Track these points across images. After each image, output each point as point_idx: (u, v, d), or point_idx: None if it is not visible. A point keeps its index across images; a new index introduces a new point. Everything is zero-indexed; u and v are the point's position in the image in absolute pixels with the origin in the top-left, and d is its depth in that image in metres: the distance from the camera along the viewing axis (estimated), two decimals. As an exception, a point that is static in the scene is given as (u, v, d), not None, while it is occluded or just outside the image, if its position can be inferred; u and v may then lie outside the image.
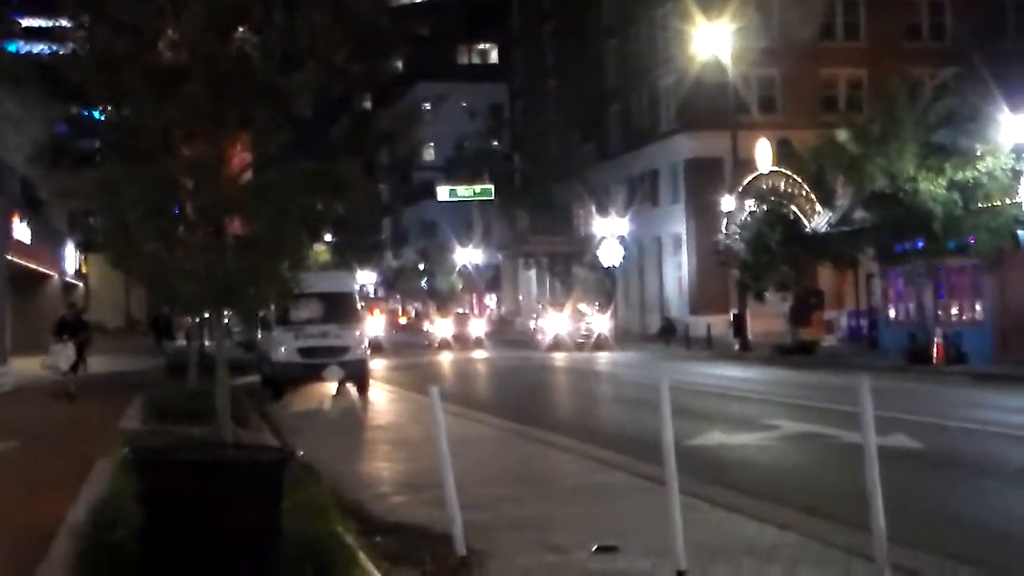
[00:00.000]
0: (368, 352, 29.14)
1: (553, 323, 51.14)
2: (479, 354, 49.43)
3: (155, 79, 9.69)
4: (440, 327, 58.46)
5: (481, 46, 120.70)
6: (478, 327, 60.66)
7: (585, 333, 49.57)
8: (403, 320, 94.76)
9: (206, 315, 16.58)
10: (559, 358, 43.73)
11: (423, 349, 54.37)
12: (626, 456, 14.90)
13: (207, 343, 27.94)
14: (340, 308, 28.86)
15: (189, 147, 9.94)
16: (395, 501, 12.66)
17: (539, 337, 51.93)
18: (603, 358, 42.86)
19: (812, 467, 14.48)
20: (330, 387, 29.03)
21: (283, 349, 27.86)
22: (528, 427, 19.17)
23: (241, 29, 9.87)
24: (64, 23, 9.70)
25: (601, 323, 50.08)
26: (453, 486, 9.45)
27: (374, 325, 58.01)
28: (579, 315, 51.26)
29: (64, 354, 25.14)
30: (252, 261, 10.05)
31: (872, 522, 7.67)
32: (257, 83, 10.12)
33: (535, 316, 57.66)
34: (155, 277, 10.80)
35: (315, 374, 27.57)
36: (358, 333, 28.40)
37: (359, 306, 29.89)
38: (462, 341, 56.15)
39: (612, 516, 11.10)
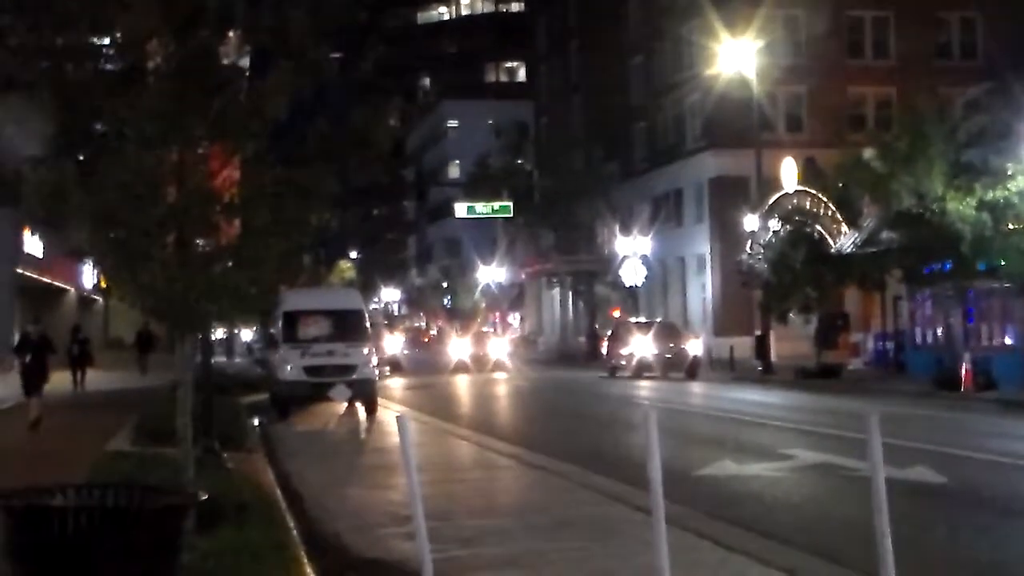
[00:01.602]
0: (376, 371, 28.39)
1: (638, 344, 42.99)
2: (499, 376, 46.68)
3: (104, 77, 8.94)
4: (457, 347, 54.93)
5: (508, 64, 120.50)
6: (499, 347, 55.63)
7: (675, 358, 42.42)
8: (425, 338, 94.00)
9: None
10: (646, 387, 37.62)
11: (442, 369, 51.92)
12: (630, 486, 13.96)
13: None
14: (348, 326, 28.19)
15: (144, 152, 9.16)
16: (378, 534, 11.83)
17: (616, 360, 44.16)
18: (703, 389, 36.51)
19: (826, 502, 13.51)
20: (339, 407, 28.33)
21: (289, 367, 27.19)
22: (530, 452, 18.31)
23: (202, 25, 9.08)
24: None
25: (695, 345, 43.71)
26: (423, 524, 8.53)
27: (393, 343, 57.37)
28: (667, 335, 44.14)
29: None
30: (211, 276, 9.26)
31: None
32: (221, 83, 9.34)
33: (610, 334, 48.88)
34: (120, 290, 10.08)
35: (321, 393, 26.89)
36: (366, 352, 27.65)
37: (368, 324, 29.10)
38: (480, 363, 51.99)
39: (604, 554, 10.26)
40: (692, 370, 41.44)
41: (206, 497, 5.09)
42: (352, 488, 15.17)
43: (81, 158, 9.39)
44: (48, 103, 9.15)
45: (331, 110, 10.93)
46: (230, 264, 9.65)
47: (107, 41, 9.31)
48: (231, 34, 9.94)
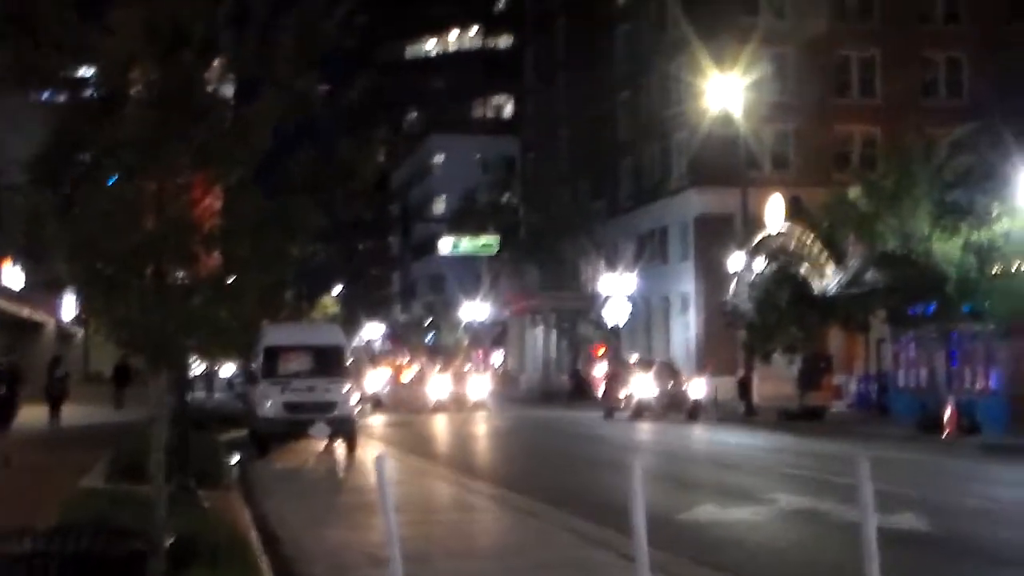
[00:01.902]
0: (356, 409, 28.10)
1: (638, 384, 41.38)
2: (481, 416, 44.95)
3: (84, 104, 8.75)
4: (436, 386, 51.98)
5: (496, 99, 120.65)
6: (479, 387, 52.83)
7: (676, 400, 40.87)
8: (407, 375, 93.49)
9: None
10: (643, 430, 35.80)
11: (422, 408, 49.38)
12: (611, 530, 13.71)
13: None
14: (329, 362, 27.91)
15: (124, 180, 8.96)
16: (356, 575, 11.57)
17: (613, 401, 42.49)
18: (697, 432, 34.94)
19: (811, 548, 13.28)
20: (318, 444, 28.02)
21: (269, 403, 26.92)
22: (511, 493, 18.06)
23: (185, 51, 8.89)
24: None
25: (697, 387, 42.12)
26: (400, 568, 8.30)
27: (376, 380, 56.87)
28: (668, 374, 42.64)
29: None
30: (189, 308, 9.04)
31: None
32: (204, 110, 9.16)
33: (607, 373, 47.23)
34: (96, 321, 9.88)
35: (301, 430, 26.59)
36: (346, 389, 27.36)
37: (348, 360, 28.84)
38: (460, 402, 49.49)
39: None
40: (694, 412, 39.90)
41: (171, 541, 4.85)
42: (330, 528, 14.89)
43: (59, 186, 9.16)
44: (26, 130, 8.96)
45: (318, 142, 10.74)
46: (209, 297, 9.43)
47: (89, 68, 9.11)
48: (215, 62, 9.77)
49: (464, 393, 50.96)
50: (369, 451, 27.57)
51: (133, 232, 8.78)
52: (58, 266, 9.40)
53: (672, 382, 41.62)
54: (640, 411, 40.19)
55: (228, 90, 10.97)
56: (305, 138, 10.74)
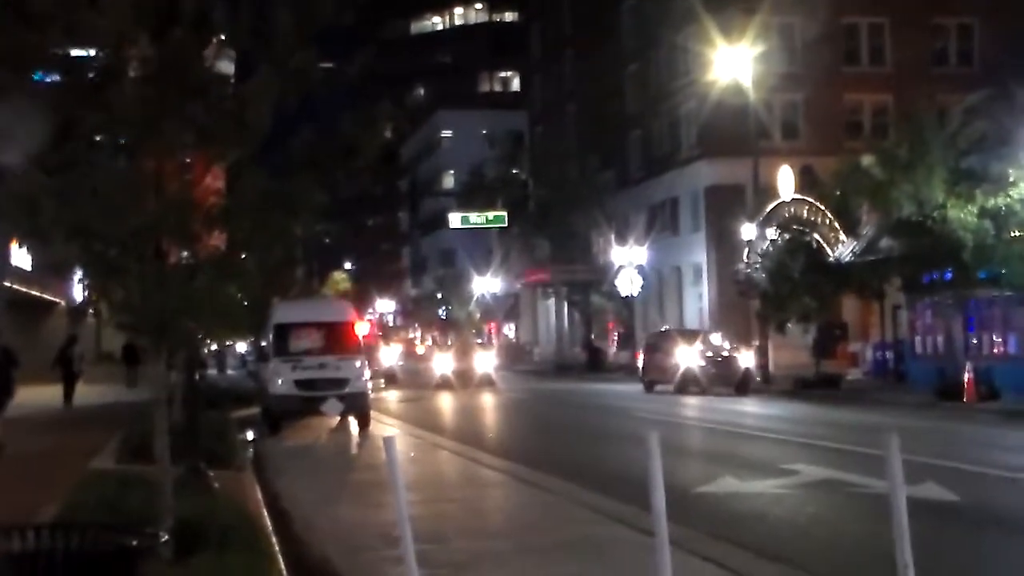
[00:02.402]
0: (369, 384, 27.86)
1: (683, 355, 38.68)
2: (488, 391, 43.01)
3: (77, 83, 8.49)
4: (441, 362, 48.89)
5: (503, 74, 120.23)
6: (485, 361, 48.41)
7: (724, 371, 38.10)
8: (420, 350, 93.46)
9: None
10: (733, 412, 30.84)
11: (427, 384, 47.59)
12: (630, 506, 13.45)
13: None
14: (340, 339, 27.71)
15: (118, 158, 8.71)
16: (367, 557, 11.33)
17: (653, 373, 40.18)
18: (746, 405, 32.35)
19: (832, 521, 12.99)
20: (331, 421, 27.86)
21: (280, 381, 26.71)
22: (527, 469, 17.81)
23: (178, 26, 8.61)
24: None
25: (746, 358, 39.12)
26: (412, 550, 8.06)
27: (389, 355, 56.77)
28: (717, 347, 40.09)
29: None
30: (190, 290, 8.79)
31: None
32: (199, 87, 8.88)
33: (646, 345, 44.00)
34: (98, 304, 9.67)
35: (313, 407, 26.40)
36: (358, 364, 27.15)
37: (360, 336, 28.60)
38: (465, 378, 46.01)
39: (603, 579, 9.81)
40: (743, 385, 37.29)
41: (165, 539, 4.61)
42: (343, 507, 14.66)
43: (53, 168, 8.90)
44: (18, 110, 8.68)
45: (320, 118, 10.46)
46: (211, 278, 9.18)
47: (80, 46, 8.84)
48: (213, 38, 9.50)
49: (470, 368, 47.09)
50: (382, 427, 27.42)
51: (131, 213, 8.52)
52: (58, 248, 9.16)
53: (720, 354, 38.99)
54: (685, 384, 37.90)
55: (228, 67, 10.71)
56: (308, 115, 10.48)
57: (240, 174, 9.47)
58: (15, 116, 8.70)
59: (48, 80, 8.68)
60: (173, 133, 8.87)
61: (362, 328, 74.42)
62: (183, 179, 9.07)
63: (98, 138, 8.72)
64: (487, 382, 45.65)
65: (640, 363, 42.45)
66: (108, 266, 9.11)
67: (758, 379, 39.69)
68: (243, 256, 9.11)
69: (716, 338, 41.35)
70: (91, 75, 8.79)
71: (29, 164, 8.82)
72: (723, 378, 37.57)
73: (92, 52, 9.00)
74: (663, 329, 46.62)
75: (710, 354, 38.60)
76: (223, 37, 9.34)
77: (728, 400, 34.42)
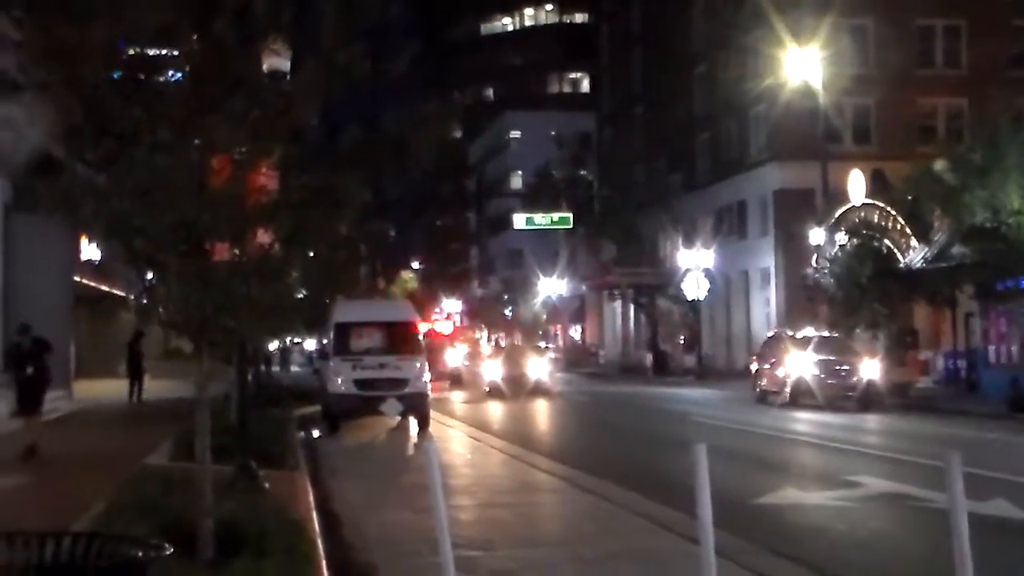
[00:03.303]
0: (429, 385, 27.72)
1: (794, 364, 33.61)
2: (544, 399, 39.20)
3: (118, 80, 8.35)
4: (490, 368, 43.88)
5: (572, 75, 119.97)
6: (539, 367, 43.42)
7: (843, 382, 32.89)
8: (486, 351, 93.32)
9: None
10: (800, 420, 28.84)
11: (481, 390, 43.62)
12: (689, 515, 13.07)
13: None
14: (401, 339, 27.63)
15: (160, 153, 8.54)
16: (412, 563, 11.11)
17: (766, 382, 35.69)
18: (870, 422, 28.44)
19: (898, 538, 12.53)
20: (390, 421, 27.76)
21: (340, 380, 26.68)
22: (584, 474, 17.51)
23: (220, 18, 8.44)
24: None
25: (871, 369, 33.37)
26: (451, 555, 7.79)
27: (455, 356, 56.63)
28: (836, 354, 33.88)
29: None
30: (229, 289, 8.61)
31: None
32: (240, 81, 8.70)
33: (760, 351, 39.38)
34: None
35: (372, 407, 26.35)
36: (418, 365, 27.04)
37: (420, 336, 28.48)
38: (518, 385, 41.13)
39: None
40: (865, 399, 32.31)
41: (171, 551, 4.39)
42: (394, 510, 14.46)
43: (94, 162, 8.77)
44: (59, 106, 8.56)
45: (376, 117, 10.25)
46: (252, 276, 9.00)
47: (122, 41, 8.70)
48: (260, 33, 9.33)
49: (522, 375, 42.11)
50: (443, 429, 27.25)
51: (171, 210, 8.36)
52: (100, 243, 9.04)
53: (839, 363, 33.28)
54: (796, 397, 32.99)
55: (282, 64, 10.54)
56: (357, 112, 10.29)
57: (283, 170, 9.29)
58: (57, 111, 8.59)
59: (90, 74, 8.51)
60: (215, 129, 8.70)
61: (445, 327, 73.69)
62: (225, 175, 8.88)
63: (138, 133, 8.53)
64: (542, 390, 41.24)
65: (753, 370, 38.08)
66: (149, 262, 8.98)
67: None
68: (287, 254, 8.92)
69: (838, 343, 35.54)
70: (134, 69, 8.65)
71: (70, 159, 8.69)
72: (842, 390, 32.71)
73: (135, 46, 8.87)
74: (773, 332, 41.04)
75: (828, 362, 33.27)
76: (269, 32, 9.17)
77: (812, 411, 31.19)
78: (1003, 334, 35.63)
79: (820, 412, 30.53)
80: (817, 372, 32.92)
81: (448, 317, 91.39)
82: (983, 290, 33.44)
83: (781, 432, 25.44)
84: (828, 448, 22.00)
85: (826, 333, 36.65)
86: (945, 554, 10.47)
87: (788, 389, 33.27)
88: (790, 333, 37.47)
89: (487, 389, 42.03)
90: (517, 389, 40.59)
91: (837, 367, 33.04)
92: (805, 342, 35.00)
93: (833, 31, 46.96)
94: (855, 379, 32.75)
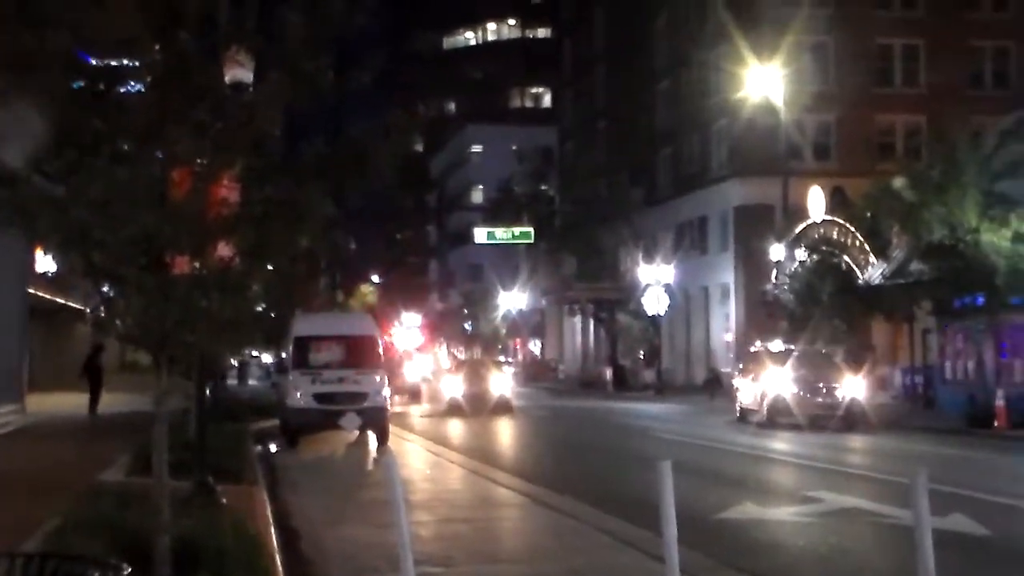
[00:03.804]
0: (388, 399, 27.55)
1: (771, 380, 31.79)
2: (506, 417, 37.37)
3: (79, 90, 8.23)
4: (449, 385, 41.43)
5: (534, 90, 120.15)
6: (501, 383, 41.13)
7: (825, 400, 30.94)
8: (445, 365, 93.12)
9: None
10: (764, 436, 28.29)
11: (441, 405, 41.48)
12: (650, 531, 13.02)
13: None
14: (360, 353, 27.46)
15: (120, 165, 8.41)
16: (371, 581, 11.01)
17: (745, 400, 33.77)
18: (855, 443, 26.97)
19: (856, 553, 12.52)
20: (349, 436, 27.57)
21: (299, 394, 26.48)
22: (544, 490, 17.44)
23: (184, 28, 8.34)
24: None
25: (854, 386, 31.43)
26: (412, 572, 7.71)
27: (414, 370, 56.44)
28: (817, 370, 32.03)
29: None
30: (188, 303, 8.48)
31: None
32: (204, 91, 8.59)
33: (741, 366, 37.67)
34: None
35: (331, 421, 26.14)
36: (378, 379, 26.86)
37: (380, 351, 28.32)
38: (478, 403, 38.88)
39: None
40: (849, 418, 30.35)
41: (129, 571, 4.28)
42: (353, 526, 14.34)
43: (53, 173, 8.63)
44: (16, 116, 8.40)
45: (339, 129, 10.15)
46: (212, 290, 8.88)
47: (83, 49, 8.57)
48: (223, 43, 9.22)
49: (483, 392, 39.83)
50: (402, 443, 27.11)
51: (131, 222, 8.23)
52: (57, 257, 8.91)
53: (821, 380, 31.32)
54: (774, 415, 30.98)
55: (245, 75, 10.42)
56: (320, 124, 10.20)
57: (244, 183, 9.17)
58: (16, 120, 8.44)
59: (50, 84, 8.37)
60: (177, 140, 8.58)
61: (411, 339, 72.60)
62: (186, 187, 8.75)
63: (97, 145, 8.40)
64: (504, 408, 39.14)
65: (736, 388, 35.99)
66: (105, 276, 8.84)
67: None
68: (248, 268, 8.80)
69: (820, 359, 33.77)
70: (94, 79, 8.53)
71: (28, 170, 8.55)
72: (823, 408, 30.61)
73: (96, 56, 8.75)
74: (754, 347, 37.61)
75: (808, 379, 31.28)
76: (232, 42, 9.06)
77: (789, 430, 29.75)
78: (960, 350, 35.93)
79: (797, 431, 29.27)
80: (796, 389, 30.97)
81: (388, 332, 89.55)
82: (940, 307, 33.69)
83: (738, 446, 25.49)
84: (788, 464, 22.06)
85: (806, 347, 34.89)
86: (905, 569, 10.47)
87: (766, 407, 31.33)
88: (768, 347, 35.42)
89: (445, 407, 39.75)
90: (479, 406, 38.65)
91: (818, 384, 31.11)
92: (784, 357, 32.90)
93: (794, 49, 47.29)
94: (837, 397, 30.80)
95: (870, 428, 30.03)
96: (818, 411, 30.46)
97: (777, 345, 35.81)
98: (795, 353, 33.11)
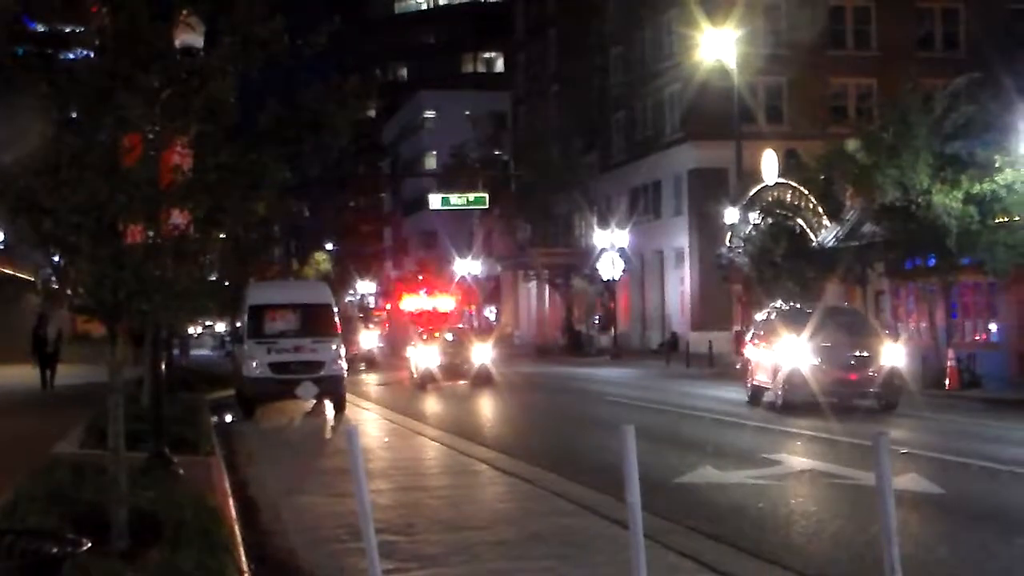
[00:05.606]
0: (345, 368, 27.41)
1: (787, 353, 24.78)
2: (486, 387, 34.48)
3: (22, 51, 8.05)
4: (423, 355, 36.51)
5: (487, 55, 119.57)
6: (481, 352, 36.53)
7: (854, 377, 24.29)
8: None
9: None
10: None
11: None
12: (608, 496, 13.05)
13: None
14: (316, 321, 27.28)
15: (69, 131, 8.26)
16: (333, 549, 10.95)
17: (754, 378, 26.72)
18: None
19: (816, 515, 12.58)
20: (306, 405, 27.44)
21: (255, 364, 26.31)
22: (502, 456, 17.43)
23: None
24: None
25: (893, 353, 24.84)
26: (374, 542, 7.64)
27: (369, 338, 56.26)
28: (841, 341, 24.76)
29: None
30: (143, 271, 8.36)
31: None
32: (156, 57, 8.44)
33: (749, 337, 29.45)
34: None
35: (288, 391, 25.99)
36: (334, 347, 26.72)
37: (336, 319, 28.16)
38: (456, 374, 35.54)
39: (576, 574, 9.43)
40: (888, 395, 24.48)
41: (89, 545, 4.20)
42: (312, 496, 14.27)
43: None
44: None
45: (292, 95, 10.01)
46: (167, 258, 8.76)
47: (30, 15, 8.40)
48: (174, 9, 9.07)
49: (464, 361, 35.90)
50: (359, 412, 27.02)
51: (81, 190, 8.09)
52: (6, 225, 8.74)
53: (851, 347, 24.69)
54: (790, 395, 24.54)
55: (196, 40, 10.24)
56: (274, 89, 10.05)
57: (198, 148, 9.05)
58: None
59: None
60: (127, 106, 8.43)
61: (447, 304, 70.98)
62: (138, 154, 8.61)
63: (47, 110, 8.24)
64: (485, 378, 35.42)
65: (747, 359, 28.43)
66: (60, 245, 8.71)
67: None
68: (203, 236, 8.69)
69: (849, 320, 27.02)
70: (43, 45, 8.37)
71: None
72: (855, 386, 24.43)
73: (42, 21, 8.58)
74: (770, 310, 29.27)
75: (833, 348, 24.60)
76: (182, 6, 8.92)
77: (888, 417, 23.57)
78: (911, 312, 36.22)
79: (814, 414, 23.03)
80: (818, 361, 24.40)
81: (343, 299, 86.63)
82: (893, 269, 33.89)
83: (683, 407, 25.61)
84: (748, 426, 22.15)
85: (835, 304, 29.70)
86: (864, 529, 10.54)
87: (780, 385, 24.78)
88: (783, 306, 29.26)
89: (417, 378, 36.02)
90: (456, 378, 35.57)
91: (847, 353, 24.67)
92: (801, 319, 25.89)
93: (747, 11, 47.23)
94: (872, 369, 24.40)
95: (916, 405, 25.03)
96: (848, 388, 24.52)
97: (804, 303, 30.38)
98: (817, 312, 26.24)
